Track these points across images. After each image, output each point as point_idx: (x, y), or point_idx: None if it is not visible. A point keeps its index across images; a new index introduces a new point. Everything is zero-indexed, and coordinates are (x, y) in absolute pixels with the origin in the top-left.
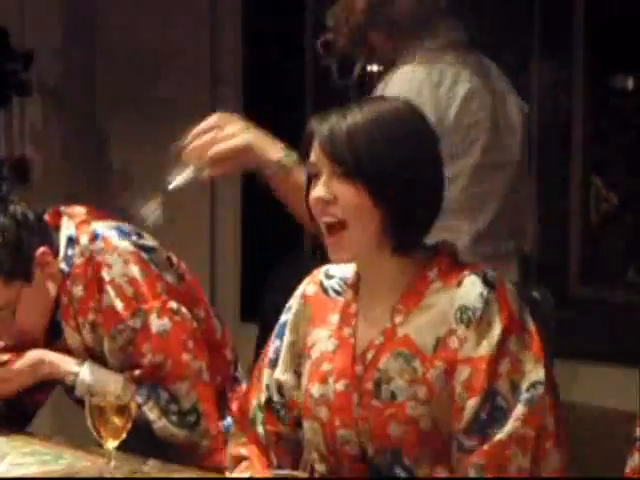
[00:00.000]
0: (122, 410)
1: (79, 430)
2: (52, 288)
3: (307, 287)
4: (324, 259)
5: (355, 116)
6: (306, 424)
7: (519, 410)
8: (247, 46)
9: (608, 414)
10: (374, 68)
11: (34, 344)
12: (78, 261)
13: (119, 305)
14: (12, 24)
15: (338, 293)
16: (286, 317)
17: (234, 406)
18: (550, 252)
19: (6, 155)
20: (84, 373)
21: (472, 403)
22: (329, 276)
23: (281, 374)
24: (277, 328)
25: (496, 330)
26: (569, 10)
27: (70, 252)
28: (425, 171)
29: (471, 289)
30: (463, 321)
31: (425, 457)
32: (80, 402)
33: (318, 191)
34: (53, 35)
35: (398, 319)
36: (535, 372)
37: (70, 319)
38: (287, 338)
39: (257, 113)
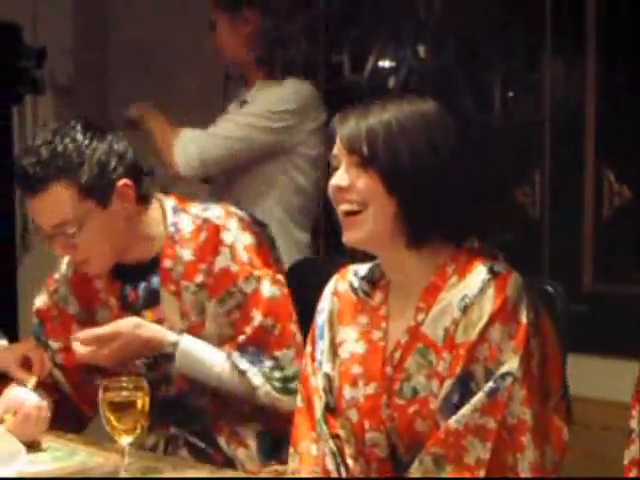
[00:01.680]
0: (136, 406)
1: (93, 426)
2: (124, 224)
3: (338, 284)
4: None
5: (377, 114)
6: (339, 422)
7: (479, 399)
8: None
9: (622, 408)
10: (386, 64)
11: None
12: (188, 227)
13: (234, 268)
14: (25, 21)
15: (366, 294)
16: (322, 318)
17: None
18: (563, 247)
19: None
20: (186, 342)
21: (447, 384)
22: (358, 276)
23: (329, 369)
24: (317, 331)
25: (484, 316)
26: (581, 5)
27: (175, 219)
28: (442, 168)
29: (476, 278)
30: (461, 309)
31: None
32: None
33: (335, 179)
34: (65, 33)
35: (420, 317)
36: (509, 363)
37: (170, 284)
38: (327, 336)
39: None
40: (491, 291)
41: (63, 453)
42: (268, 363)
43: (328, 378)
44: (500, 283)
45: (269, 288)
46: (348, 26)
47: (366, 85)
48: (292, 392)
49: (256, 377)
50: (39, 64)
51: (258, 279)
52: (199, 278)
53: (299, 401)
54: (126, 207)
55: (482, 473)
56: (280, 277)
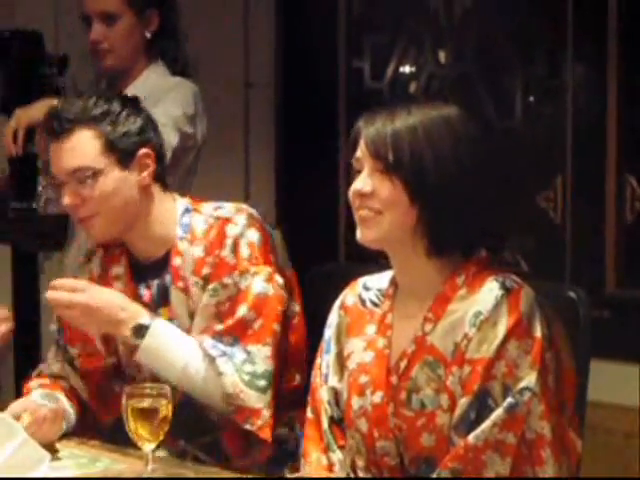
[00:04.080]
0: (160, 413)
1: (116, 432)
2: (137, 196)
3: (346, 298)
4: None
5: (402, 118)
6: (348, 434)
7: (498, 415)
8: (280, 49)
9: None
10: (406, 70)
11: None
12: (201, 227)
13: (232, 261)
14: (47, 29)
15: (375, 305)
16: (329, 332)
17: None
18: (585, 252)
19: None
20: (158, 326)
21: (464, 402)
22: (367, 288)
23: (336, 382)
24: (324, 345)
25: (500, 332)
26: (603, 10)
27: (186, 220)
28: (466, 177)
29: (488, 294)
30: (475, 325)
31: None
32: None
33: (357, 184)
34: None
35: (428, 327)
36: (527, 378)
37: (179, 281)
38: (333, 350)
39: (290, 116)
40: (505, 307)
41: (86, 460)
42: (240, 355)
43: (334, 391)
44: (513, 299)
45: (261, 284)
46: (369, 32)
47: (387, 91)
48: (259, 389)
49: (225, 365)
50: (61, 72)
51: (254, 275)
52: (205, 270)
53: (309, 412)
54: (144, 178)
55: None
56: (278, 277)
